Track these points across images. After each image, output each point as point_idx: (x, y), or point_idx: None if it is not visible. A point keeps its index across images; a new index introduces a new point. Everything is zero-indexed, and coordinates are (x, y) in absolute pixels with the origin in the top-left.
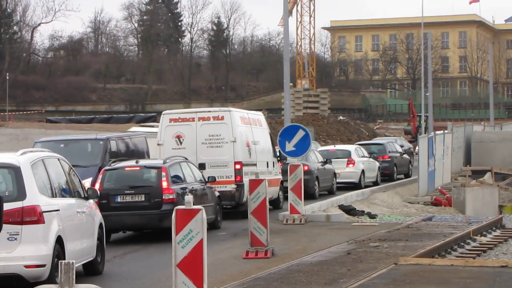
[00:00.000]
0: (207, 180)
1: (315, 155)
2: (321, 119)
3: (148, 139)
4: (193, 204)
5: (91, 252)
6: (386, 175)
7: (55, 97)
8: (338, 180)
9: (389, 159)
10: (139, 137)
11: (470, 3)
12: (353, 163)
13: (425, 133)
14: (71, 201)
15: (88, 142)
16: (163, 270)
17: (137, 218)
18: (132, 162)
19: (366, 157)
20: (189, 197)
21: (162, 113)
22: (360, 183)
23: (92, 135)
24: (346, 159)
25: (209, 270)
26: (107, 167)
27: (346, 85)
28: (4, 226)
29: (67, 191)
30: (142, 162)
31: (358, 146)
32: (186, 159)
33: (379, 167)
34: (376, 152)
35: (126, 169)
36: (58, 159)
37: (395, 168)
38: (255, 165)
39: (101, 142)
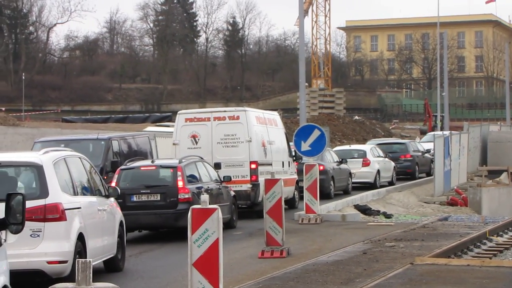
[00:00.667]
0: (222, 179)
1: (330, 155)
2: (336, 119)
3: (163, 138)
4: (209, 204)
5: (112, 249)
6: (409, 174)
7: (70, 97)
8: (353, 180)
9: (411, 158)
10: (142, 137)
11: (487, 2)
12: (369, 163)
13: (435, 129)
14: (92, 199)
15: (90, 142)
16: (179, 269)
17: (152, 218)
18: (147, 162)
19: (382, 157)
20: (205, 197)
21: (178, 113)
22: (376, 183)
23: (94, 135)
24: (362, 159)
25: (225, 270)
26: (122, 167)
27: (361, 85)
28: (27, 223)
29: (88, 189)
30: (158, 161)
31: (373, 146)
32: (202, 158)
33: (394, 167)
34: (398, 151)
35: (142, 168)
36: (80, 158)
37: (416, 166)
38: (271, 164)
39: (102, 142)
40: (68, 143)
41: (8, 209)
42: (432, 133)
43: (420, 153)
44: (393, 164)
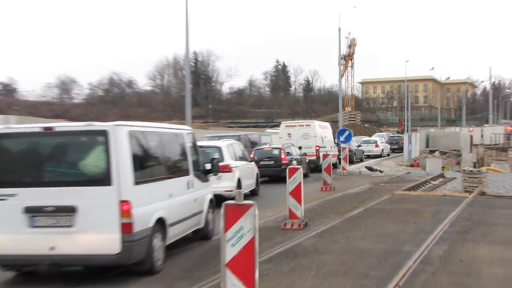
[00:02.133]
0: (302, 154)
1: (354, 143)
2: (356, 125)
3: (275, 135)
4: (296, 164)
5: (253, 185)
6: (401, 149)
7: (232, 116)
8: (370, 154)
9: (402, 143)
10: (255, 134)
11: (430, 70)
12: (378, 146)
13: (405, 131)
14: (244, 162)
15: (231, 137)
16: (282, 196)
17: (270, 172)
18: (267, 146)
19: (384, 143)
20: (294, 162)
21: (281, 123)
22: (381, 155)
23: (232, 133)
24: (374, 144)
25: (304, 196)
26: (256, 148)
27: (368, 109)
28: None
29: (242, 158)
30: (272, 145)
31: (380, 137)
32: (293, 144)
33: (390, 147)
34: (397, 139)
35: (265, 149)
36: (238, 144)
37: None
38: (325, 147)
39: (236, 137)
40: (220, 138)
41: (211, 165)
42: (382, 133)
43: None
44: (389, 146)
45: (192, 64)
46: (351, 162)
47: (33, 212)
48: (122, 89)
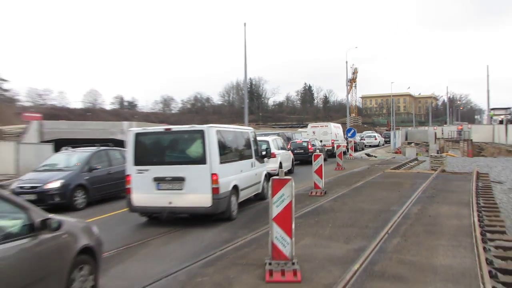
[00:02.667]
0: (322, 145)
1: (357, 137)
2: (358, 126)
3: (304, 133)
4: (319, 152)
5: (290, 166)
6: (389, 142)
7: (275, 120)
8: (371, 144)
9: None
10: (290, 132)
11: (407, 88)
12: (376, 139)
13: (392, 130)
14: (283, 151)
15: (271, 134)
16: (309, 173)
17: (301, 157)
18: (299, 139)
19: (379, 136)
20: (317, 150)
21: (308, 124)
22: (379, 145)
23: (274, 131)
24: (373, 137)
25: (324, 173)
26: (291, 141)
27: (366, 115)
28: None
29: (282, 148)
30: (302, 139)
31: (376, 133)
32: (316, 139)
33: (384, 140)
34: (389, 134)
35: (297, 141)
36: (280, 138)
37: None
38: (338, 140)
39: (276, 134)
40: (267, 135)
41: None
42: (368, 131)
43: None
44: (383, 138)
45: (248, 86)
46: (356, 150)
47: (158, 180)
48: (202, 103)
